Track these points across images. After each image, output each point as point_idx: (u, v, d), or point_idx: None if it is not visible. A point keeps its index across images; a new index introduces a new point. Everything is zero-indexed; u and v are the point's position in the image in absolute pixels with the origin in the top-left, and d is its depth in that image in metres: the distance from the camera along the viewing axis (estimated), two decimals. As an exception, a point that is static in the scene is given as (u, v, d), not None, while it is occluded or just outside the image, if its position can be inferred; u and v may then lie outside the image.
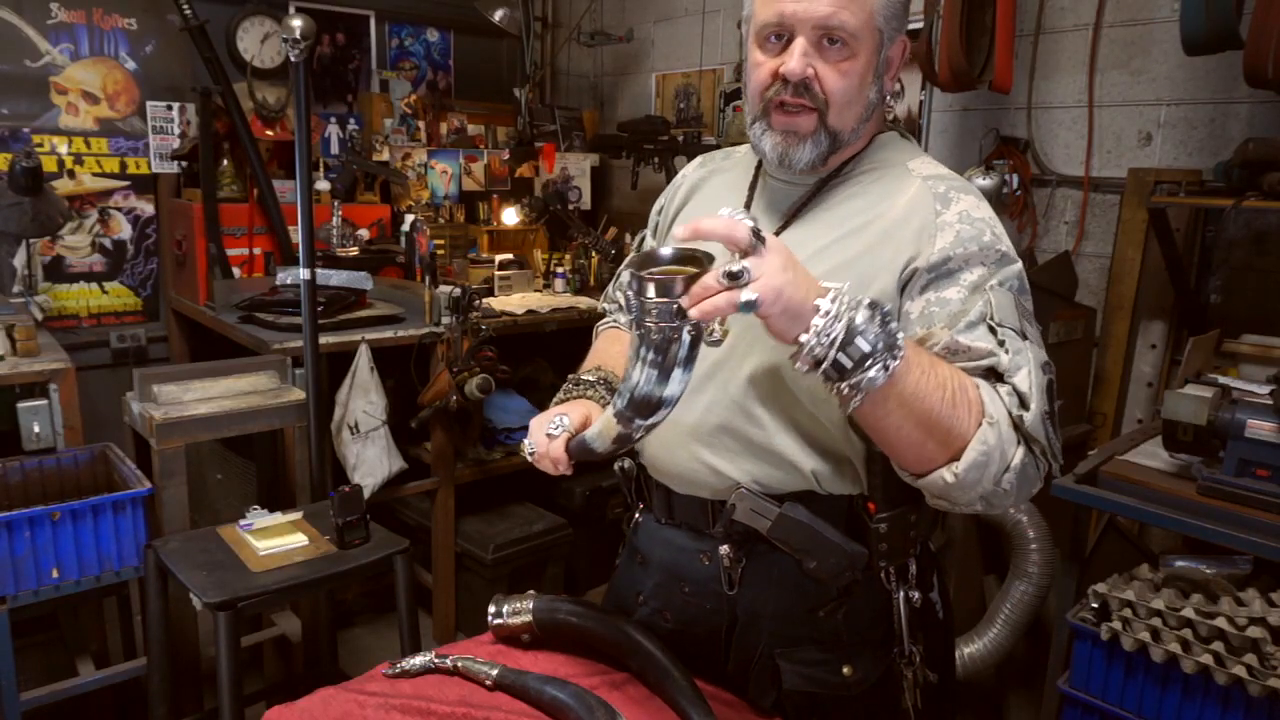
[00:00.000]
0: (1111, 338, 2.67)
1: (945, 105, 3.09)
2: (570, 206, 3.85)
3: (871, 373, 0.92)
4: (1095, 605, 1.92)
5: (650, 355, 0.93)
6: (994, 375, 1.04)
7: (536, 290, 3.58)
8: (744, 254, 0.90)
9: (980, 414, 1.00)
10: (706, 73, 3.87)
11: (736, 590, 1.20)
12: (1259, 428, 1.79)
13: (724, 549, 1.19)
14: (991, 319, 1.05)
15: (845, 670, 1.18)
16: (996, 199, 2.66)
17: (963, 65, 2.59)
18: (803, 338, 0.92)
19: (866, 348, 0.91)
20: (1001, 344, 1.04)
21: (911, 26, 3.06)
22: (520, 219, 3.86)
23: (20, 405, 2.26)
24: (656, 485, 1.28)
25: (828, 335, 0.91)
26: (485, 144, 4.00)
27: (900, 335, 0.94)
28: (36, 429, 2.28)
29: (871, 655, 1.20)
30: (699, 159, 1.40)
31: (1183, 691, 1.81)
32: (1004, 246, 1.11)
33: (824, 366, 0.92)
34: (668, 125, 3.74)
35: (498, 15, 3.97)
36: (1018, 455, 1.01)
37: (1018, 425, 1.01)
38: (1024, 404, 1.02)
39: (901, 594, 1.19)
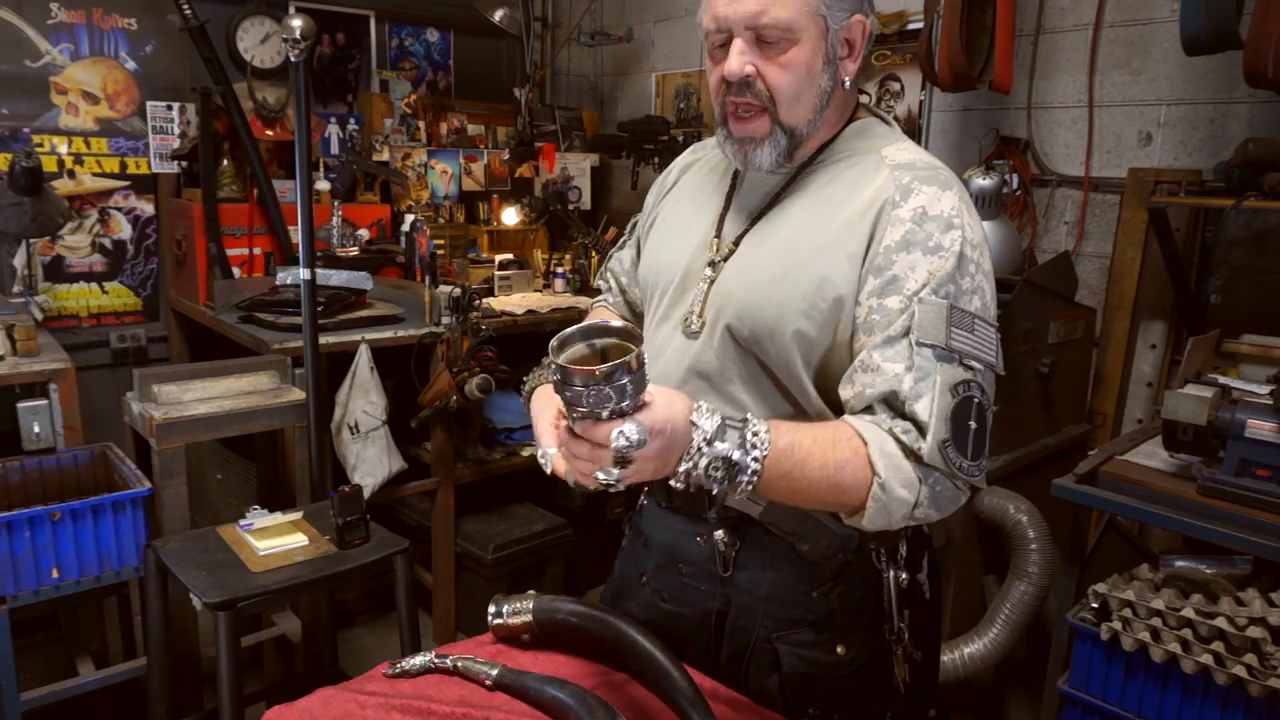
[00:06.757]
0: (1111, 338, 2.67)
1: (945, 105, 3.09)
2: (570, 206, 3.85)
3: (745, 476, 0.99)
4: (1095, 605, 1.93)
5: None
6: (895, 399, 1.06)
7: (536, 290, 3.58)
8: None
9: (868, 475, 1.03)
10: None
11: (731, 573, 1.24)
12: (1259, 428, 1.79)
13: (719, 533, 1.23)
14: (912, 334, 1.06)
15: (839, 650, 1.21)
16: (996, 199, 2.66)
17: (963, 65, 2.59)
18: (680, 468, 0.98)
19: (724, 467, 0.98)
20: (911, 367, 1.05)
21: (911, 26, 3.11)
22: (520, 219, 3.86)
23: (20, 405, 2.26)
24: None
25: (697, 463, 0.98)
26: (485, 144, 4.00)
27: (761, 434, 0.99)
28: (36, 429, 2.28)
29: (863, 634, 1.23)
30: (692, 146, 1.45)
31: (1183, 691, 1.81)
32: (953, 244, 1.09)
33: (707, 479, 0.99)
34: (668, 125, 3.74)
35: (498, 15, 3.97)
36: (921, 493, 1.04)
37: (917, 457, 1.04)
38: (922, 432, 1.04)
39: (891, 574, 1.22)
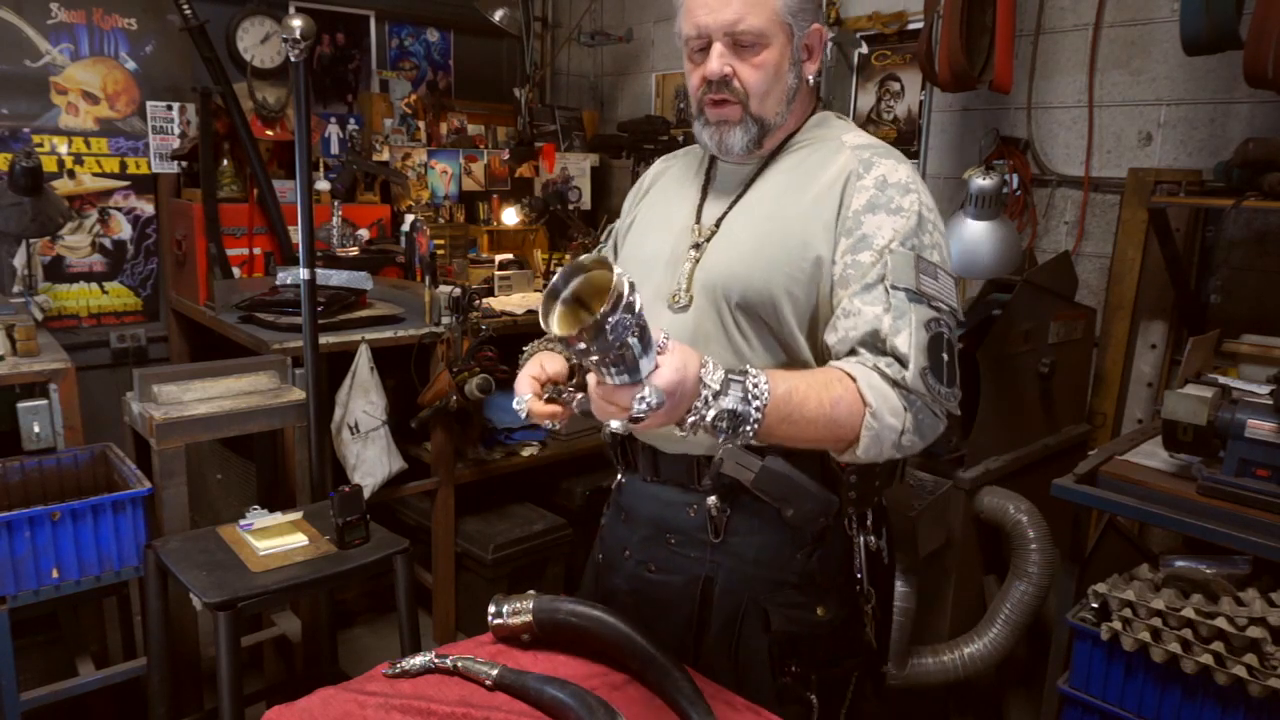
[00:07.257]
0: (1111, 338, 2.67)
1: (945, 105, 3.09)
2: (570, 206, 3.85)
3: (748, 425, 1.06)
4: (1095, 605, 1.93)
5: (611, 370, 0.97)
6: (877, 337, 1.18)
7: (536, 290, 3.58)
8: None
9: (860, 408, 1.14)
10: (706, 73, 3.87)
11: (722, 538, 1.33)
12: (1259, 428, 1.79)
13: (711, 500, 1.32)
14: (886, 280, 1.19)
15: (819, 611, 1.32)
16: (996, 199, 2.66)
17: (963, 65, 2.59)
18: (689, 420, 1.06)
19: (729, 419, 1.05)
20: (889, 308, 1.18)
21: (911, 26, 3.11)
22: (520, 219, 3.86)
23: (20, 405, 2.26)
24: (643, 447, 1.38)
25: (704, 416, 1.04)
26: (485, 144, 4.00)
27: (761, 385, 1.06)
28: (36, 429, 2.28)
29: (837, 596, 1.34)
30: (663, 157, 1.59)
31: (1183, 692, 1.82)
32: (912, 205, 1.23)
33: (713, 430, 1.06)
34: (668, 125, 3.74)
35: (498, 15, 3.97)
36: (907, 420, 1.16)
37: (899, 384, 1.16)
38: (904, 364, 1.16)
39: (861, 539, 1.35)
